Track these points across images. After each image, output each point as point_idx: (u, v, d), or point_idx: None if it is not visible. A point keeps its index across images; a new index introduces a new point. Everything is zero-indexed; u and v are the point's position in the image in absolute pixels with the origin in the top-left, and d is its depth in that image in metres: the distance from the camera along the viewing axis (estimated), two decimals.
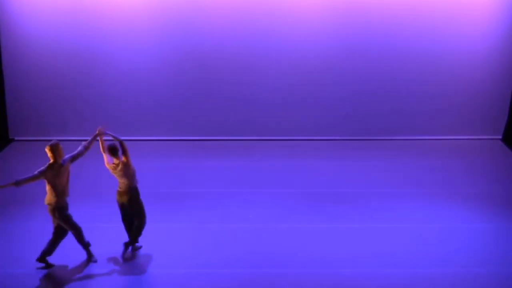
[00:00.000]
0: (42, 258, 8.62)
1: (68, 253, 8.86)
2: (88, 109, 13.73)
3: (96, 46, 13.37)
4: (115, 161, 8.74)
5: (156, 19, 13.33)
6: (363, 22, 13.31)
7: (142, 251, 9.07)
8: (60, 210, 8.44)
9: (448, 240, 9.43)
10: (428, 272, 8.56)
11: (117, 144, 8.75)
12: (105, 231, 9.50)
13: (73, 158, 8.58)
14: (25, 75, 13.51)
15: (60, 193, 8.42)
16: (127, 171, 8.75)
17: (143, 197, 10.31)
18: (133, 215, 8.88)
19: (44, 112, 13.69)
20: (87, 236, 8.80)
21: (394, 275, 8.49)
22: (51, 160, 8.36)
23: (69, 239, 8.72)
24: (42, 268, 8.59)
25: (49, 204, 8.45)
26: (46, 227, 9.26)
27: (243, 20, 13.32)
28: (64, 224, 8.54)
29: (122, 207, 8.93)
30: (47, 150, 8.34)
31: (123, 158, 8.74)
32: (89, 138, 8.78)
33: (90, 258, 8.76)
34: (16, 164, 12.54)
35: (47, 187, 8.42)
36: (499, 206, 10.59)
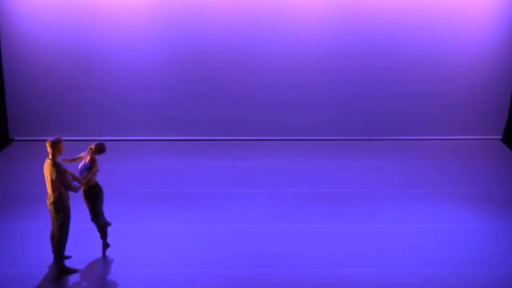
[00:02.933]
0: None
1: (69, 253, 8.86)
2: (88, 109, 13.73)
3: (96, 46, 13.37)
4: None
5: (156, 19, 13.32)
6: (363, 23, 13.31)
7: (142, 251, 9.08)
8: (66, 209, 8.37)
9: (448, 240, 9.44)
10: (428, 272, 8.56)
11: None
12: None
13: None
14: (25, 75, 13.51)
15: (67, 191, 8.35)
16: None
17: (144, 196, 10.34)
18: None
19: (44, 112, 13.69)
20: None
21: (394, 275, 8.49)
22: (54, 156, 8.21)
23: (70, 239, 8.71)
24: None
25: (57, 202, 8.30)
26: (46, 227, 9.26)
27: (243, 20, 13.32)
28: (60, 225, 8.37)
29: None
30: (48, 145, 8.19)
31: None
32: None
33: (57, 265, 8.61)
34: (16, 164, 12.54)
35: (57, 187, 8.24)
36: (499, 206, 10.60)
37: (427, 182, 11.57)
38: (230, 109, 13.80)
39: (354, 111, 13.80)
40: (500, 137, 13.93)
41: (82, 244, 9.10)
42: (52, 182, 8.23)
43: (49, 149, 8.21)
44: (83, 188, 8.68)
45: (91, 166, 8.63)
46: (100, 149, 8.75)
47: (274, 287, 8.28)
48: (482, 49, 13.47)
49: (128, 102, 13.70)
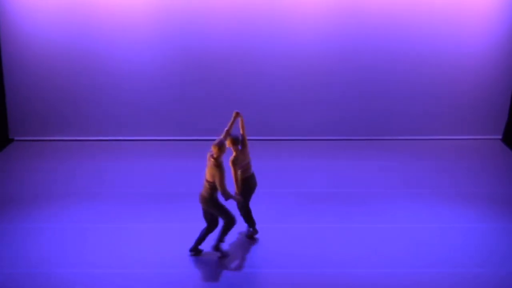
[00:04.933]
0: (195, 247, 8.95)
1: (69, 253, 8.86)
2: (88, 109, 13.73)
3: (96, 46, 13.37)
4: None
5: (157, 19, 13.32)
6: (363, 23, 13.31)
7: (142, 251, 9.08)
8: (217, 203, 8.77)
9: (448, 240, 9.44)
10: (428, 272, 8.56)
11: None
12: (104, 232, 9.51)
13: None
14: (25, 75, 13.51)
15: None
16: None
17: (145, 197, 10.34)
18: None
19: (44, 112, 13.68)
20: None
21: (394, 275, 8.49)
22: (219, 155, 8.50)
23: (70, 239, 8.71)
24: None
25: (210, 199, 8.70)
26: (46, 227, 9.27)
27: (244, 20, 13.32)
28: (222, 216, 8.81)
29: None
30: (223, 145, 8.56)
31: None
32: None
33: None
34: (16, 164, 12.54)
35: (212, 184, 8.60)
36: (499, 206, 10.60)
37: (428, 182, 11.57)
38: (230, 109, 13.74)
39: (355, 111, 13.80)
40: (500, 137, 13.93)
41: (82, 244, 9.10)
42: (212, 178, 8.51)
43: (214, 150, 8.50)
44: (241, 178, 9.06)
45: (233, 160, 8.87)
46: (235, 141, 9.01)
47: (274, 287, 8.28)
48: (482, 49, 13.47)
49: (128, 102, 13.70)
